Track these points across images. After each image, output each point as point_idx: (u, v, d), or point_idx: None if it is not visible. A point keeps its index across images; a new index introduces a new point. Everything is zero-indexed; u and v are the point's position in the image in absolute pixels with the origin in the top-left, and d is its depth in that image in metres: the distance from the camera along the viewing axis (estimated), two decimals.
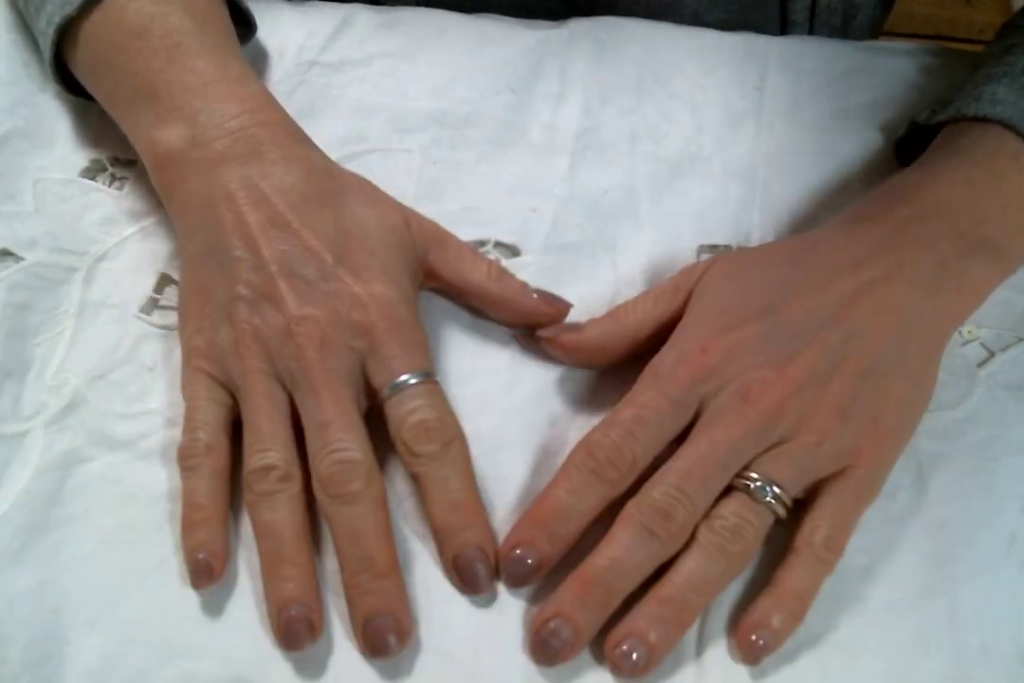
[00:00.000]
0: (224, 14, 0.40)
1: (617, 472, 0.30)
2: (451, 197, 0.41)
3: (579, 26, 0.46)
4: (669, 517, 0.29)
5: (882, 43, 0.48)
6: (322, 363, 0.32)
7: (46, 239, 0.39)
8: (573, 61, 0.45)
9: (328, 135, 0.41)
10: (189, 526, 0.31)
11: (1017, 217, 0.35)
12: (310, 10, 0.47)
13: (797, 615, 0.30)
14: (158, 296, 0.38)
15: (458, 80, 0.44)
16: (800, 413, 0.31)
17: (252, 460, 0.31)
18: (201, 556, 0.31)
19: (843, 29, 0.54)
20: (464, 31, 0.46)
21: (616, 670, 0.29)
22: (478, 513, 0.32)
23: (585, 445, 0.31)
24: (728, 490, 0.31)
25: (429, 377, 0.33)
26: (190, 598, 0.31)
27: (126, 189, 0.41)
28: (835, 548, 0.30)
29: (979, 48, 0.44)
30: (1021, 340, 0.37)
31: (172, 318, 0.36)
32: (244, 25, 0.43)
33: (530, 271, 0.39)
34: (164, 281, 0.38)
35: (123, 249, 0.39)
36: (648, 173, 0.42)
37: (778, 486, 0.30)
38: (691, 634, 0.31)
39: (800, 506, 0.31)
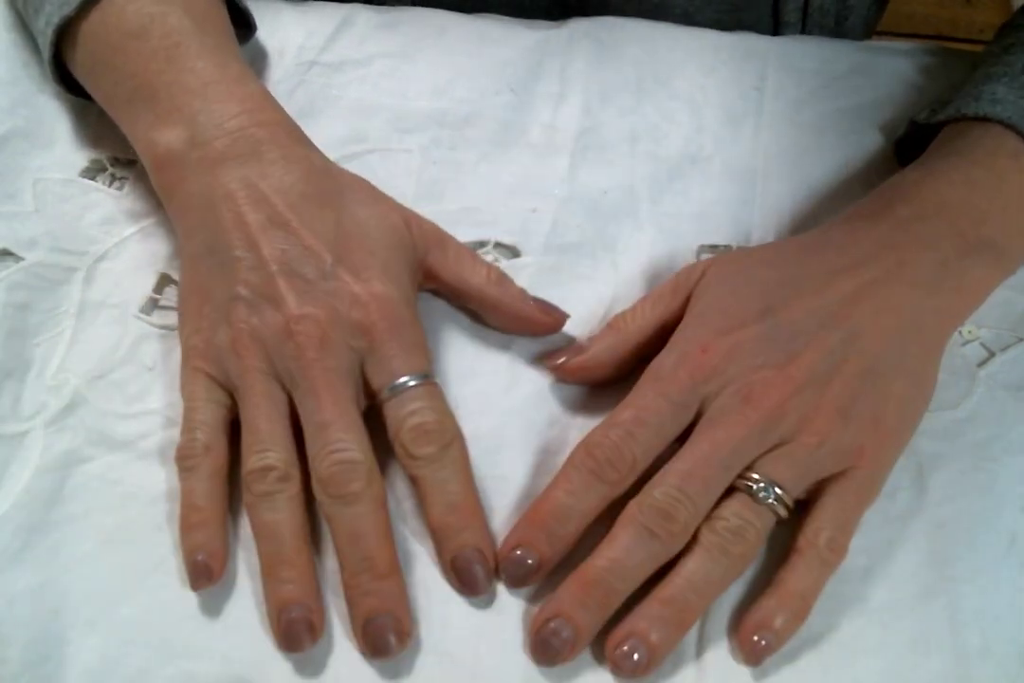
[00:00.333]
0: (223, 14, 0.40)
1: (617, 473, 0.30)
2: (451, 197, 0.41)
3: (579, 26, 0.46)
4: (670, 518, 0.29)
5: (882, 43, 0.48)
6: (322, 362, 0.31)
7: (46, 239, 0.39)
8: (573, 61, 0.45)
9: (328, 135, 0.41)
10: (187, 527, 0.31)
11: (1017, 217, 0.35)
12: (310, 10, 0.47)
13: (800, 616, 0.30)
14: (158, 296, 0.38)
15: (458, 80, 0.45)
16: (801, 413, 0.31)
17: (251, 460, 0.31)
18: (200, 557, 0.31)
19: (836, 30, 0.54)
20: (464, 31, 0.46)
21: (617, 670, 0.29)
22: (476, 514, 0.32)
23: (585, 446, 0.31)
24: (730, 491, 0.31)
25: (428, 379, 0.33)
26: (190, 598, 0.31)
27: (126, 189, 0.41)
28: (838, 549, 0.30)
29: (979, 48, 0.44)
30: (1021, 340, 0.37)
31: (172, 318, 0.36)
32: (244, 26, 0.43)
33: (530, 272, 0.39)
34: (164, 281, 0.38)
35: (123, 249, 0.39)
36: (648, 173, 0.42)
37: (780, 487, 0.30)
38: (691, 635, 0.31)
39: (801, 506, 0.31)
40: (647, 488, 0.30)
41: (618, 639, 0.29)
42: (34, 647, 0.30)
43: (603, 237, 0.40)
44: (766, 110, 0.44)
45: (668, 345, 0.33)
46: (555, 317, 0.36)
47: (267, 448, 0.31)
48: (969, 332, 0.37)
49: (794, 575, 0.30)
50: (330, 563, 0.32)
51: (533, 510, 0.31)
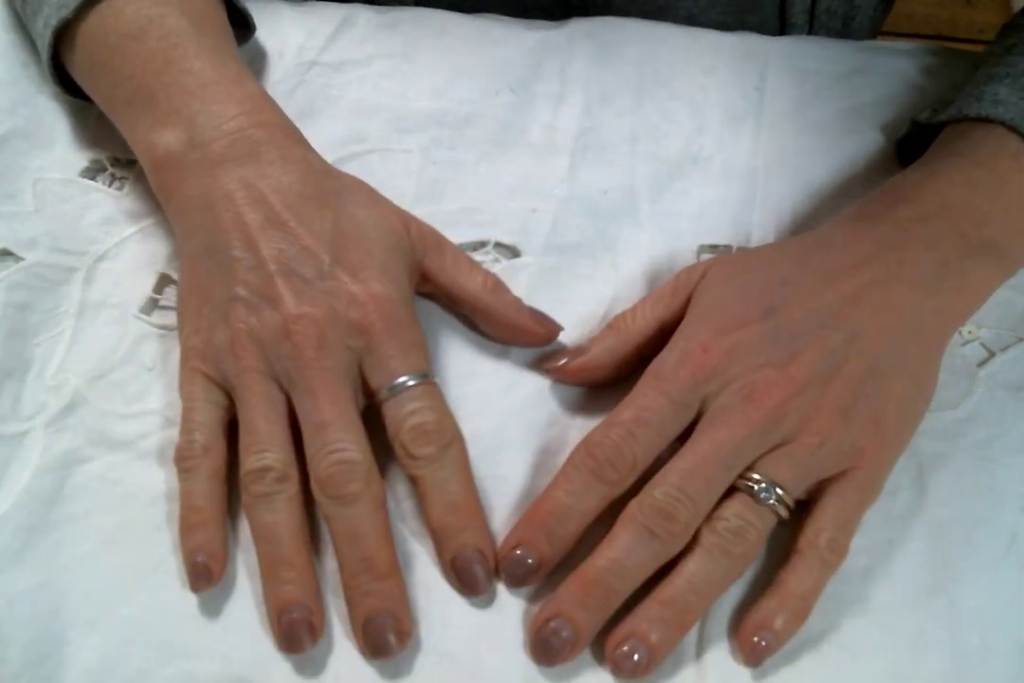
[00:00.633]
0: (222, 15, 0.40)
1: (617, 473, 0.30)
2: (451, 197, 0.41)
3: (579, 26, 0.46)
4: (671, 518, 0.29)
5: (882, 43, 0.48)
6: (319, 362, 0.31)
7: (46, 239, 0.39)
8: (573, 61, 0.45)
9: (328, 135, 0.41)
10: (187, 529, 0.31)
11: (1018, 218, 0.35)
12: (310, 10, 0.47)
13: (800, 616, 0.30)
14: (158, 296, 0.38)
15: (458, 80, 0.44)
16: (802, 414, 0.31)
17: (249, 461, 0.31)
18: (199, 559, 0.31)
19: (843, 31, 0.54)
20: (464, 31, 0.46)
21: (617, 671, 0.29)
22: (476, 514, 0.32)
23: (585, 445, 0.31)
24: (730, 491, 0.31)
25: (427, 378, 0.33)
26: (190, 598, 0.31)
27: (126, 189, 0.41)
28: (839, 550, 0.30)
29: (979, 48, 0.44)
30: (1021, 340, 0.37)
31: (172, 318, 0.36)
32: (243, 26, 0.43)
33: (530, 271, 0.39)
34: (164, 281, 0.38)
35: (123, 249, 0.39)
36: (648, 173, 0.42)
37: (781, 487, 0.30)
38: (691, 635, 0.31)
39: (801, 506, 0.31)
40: (648, 488, 0.30)
41: (618, 639, 0.29)
42: (34, 647, 0.30)
43: (603, 237, 0.40)
44: (766, 110, 0.44)
45: (669, 345, 0.33)
46: (548, 328, 0.35)
47: (265, 449, 0.31)
48: (969, 332, 0.37)
49: (795, 576, 0.30)
50: (330, 564, 0.32)
51: (533, 510, 0.31)
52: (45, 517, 0.33)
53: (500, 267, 0.39)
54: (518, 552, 0.30)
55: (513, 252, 0.39)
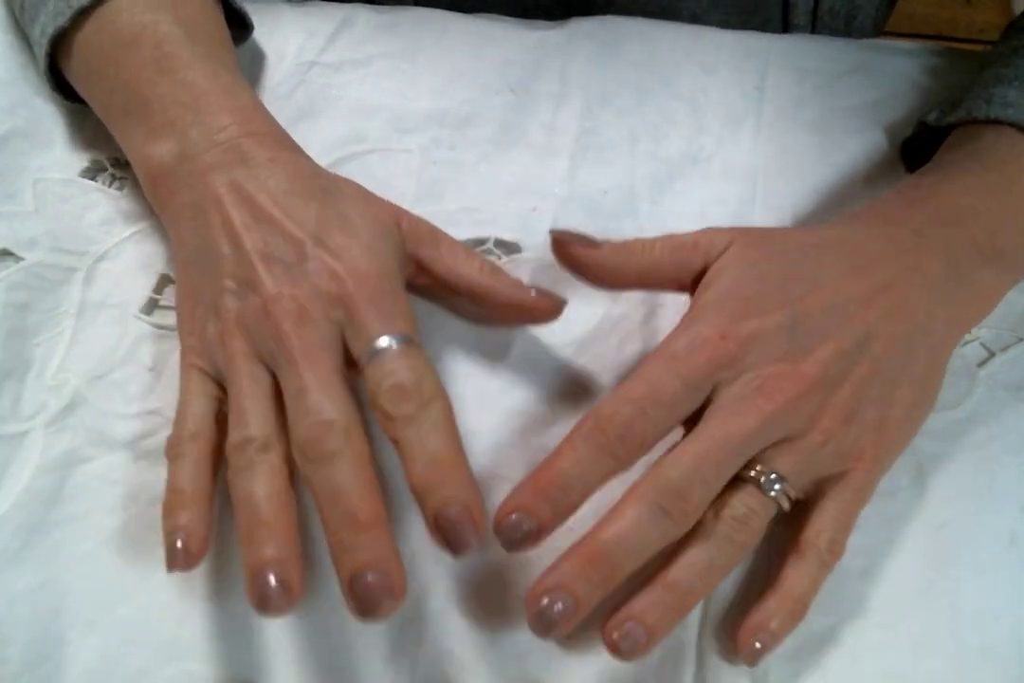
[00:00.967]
0: (217, 19, 0.40)
1: (625, 450, 0.30)
2: (451, 197, 0.41)
3: (579, 26, 0.46)
4: (685, 498, 0.29)
5: (883, 42, 0.48)
6: (298, 333, 0.31)
7: (46, 239, 0.39)
8: (573, 61, 0.45)
9: (328, 135, 0.41)
10: (167, 510, 0.30)
11: None
12: (310, 10, 0.47)
13: (797, 617, 0.30)
14: (158, 296, 0.38)
15: (458, 80, 0.45)
16: (810, 412, 0.31)
17: (232, 436, 0.30)
18: (177, 539, 0.29)
19: (845, 31, 0.54)
20: (464, 31, 0.46)
21: (615, 652, 0.29)
22: (459, 467, 0.30)
23: (595, 418, 0.30)
24: (734, 480, 0.30)
25: (410, 340, 0.31)
26: (190, 598, 0.31)
27: (126, 189, 0.41)
28: (837, 551, 0.30)
29: (979, 48, 0.44)
30: (1021, 340, 0.37)
31: (172, 318, 0.36)
32: (240, 26, 0.43)
33: (530, 268, 0.39)
34: (164, 281, 0.38)
35: (123, 249, 0.39)
36: (648, 173, 0.42)
37: (785, 481, 0.30)
38: (692, 635, 0.31)
39: (795, 507, 0.31)
40: (660, 468, 0.30)
41: (617, 621, 0.29)
42: (34, 647, 0.30)
43: (603, 237, 0.40)
44: (767, 110, 0.44)
45: (683, 324, 0.32)
46: (554, 301, 0.35)
47: (247, 421, 0.30)
48: (969, 332, 0.37)
49: (795, 576, 0.30)
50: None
51: (535, 478, 0.30)
52: (45, 517, 0.33)
53: (501, 263, 0.39)
54: (514, 517, 0.29)
55: (513, 249, 0.39)
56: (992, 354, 0.37)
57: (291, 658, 0.30)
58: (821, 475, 0.31)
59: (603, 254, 0.34)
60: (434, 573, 0.32)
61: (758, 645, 0.29)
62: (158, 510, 0.33)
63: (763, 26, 0.51)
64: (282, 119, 0.38)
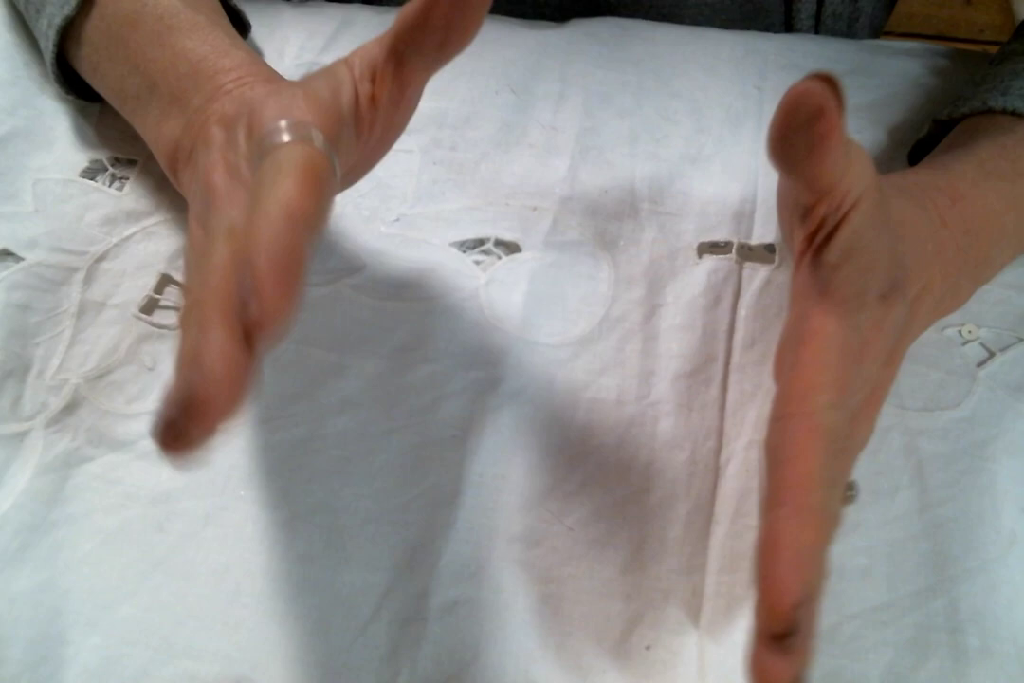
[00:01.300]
0: (216, 3, 0.40)
1: None
2: (451, 197, 0.41)
3: (579, 26, 0.46)
4: None
5: (884, 42, 0.48)
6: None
7: (46, 239, 0.39)
8: (573, 61, 0.45)
9: None
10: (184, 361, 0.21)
11: None
12: (310, 10, 0.47)
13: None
14: (158, 296, 0.38)
15: (458, 80, 0.45)
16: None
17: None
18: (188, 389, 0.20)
19: (847, 33, 0.54)
20: None
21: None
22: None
23: None
24: None
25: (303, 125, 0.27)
26: (190, 598, 0.31)
27: (126, 189, 0.41)
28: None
29: (979, 48, 0.44)
30: (1021, 340, 0.37)
31: (172, 318, 0.36)
32: (238, 25, 0.43)
33: (531, 266, 0.39)
34: (164, 281, 0.38)
35: (123, 249, 0.39)
36: (648, 173, 0.42)
37: None
38: (691, 635, 0.31)
39: None
40: None
41: None
42: (34, 647, 0.30)
43: (603, 236, 0.40)
44: (767, 109, 0.44)
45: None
46: None
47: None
48: (969, 332, 0.37)
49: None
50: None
51: None
52: (45, 517, 0.33)
53: (501, 263, 0.39)
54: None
55: (513, 249, 0.39)
56: (992, 354, 0.37)
57: (291, 658, 0.30)
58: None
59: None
60: (433, 572, 0.32)
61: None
62: (158, 510, 0.33)
63: (766, 31, 0.51)
64: None
